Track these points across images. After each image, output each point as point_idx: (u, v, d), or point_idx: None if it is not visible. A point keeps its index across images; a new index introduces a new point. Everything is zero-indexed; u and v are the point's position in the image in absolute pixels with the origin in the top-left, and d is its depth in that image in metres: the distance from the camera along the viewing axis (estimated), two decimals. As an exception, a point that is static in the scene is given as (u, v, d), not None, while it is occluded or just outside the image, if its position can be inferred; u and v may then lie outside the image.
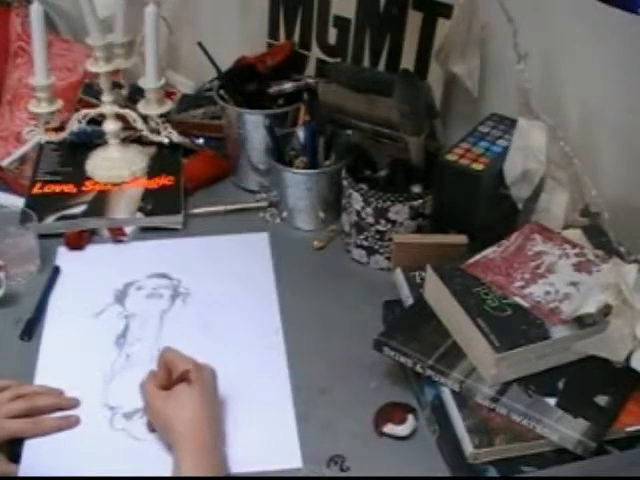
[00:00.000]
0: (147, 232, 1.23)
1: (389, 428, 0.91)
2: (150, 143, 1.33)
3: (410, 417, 0.91)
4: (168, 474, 0.84)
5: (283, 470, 0.88)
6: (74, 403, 0.94)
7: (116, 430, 0.92)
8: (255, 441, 0.91)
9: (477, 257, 0.98)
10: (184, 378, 0.89)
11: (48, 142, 1.32)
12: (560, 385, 0.87)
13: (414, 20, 1.18)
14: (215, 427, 0.88)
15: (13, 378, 0.97)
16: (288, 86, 1.30)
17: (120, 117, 1.30)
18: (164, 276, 1.15)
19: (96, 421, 0.93)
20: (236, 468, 0.87)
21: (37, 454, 0.89)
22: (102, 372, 0.99)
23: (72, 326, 1.06)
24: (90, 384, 0.97)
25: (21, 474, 0.87)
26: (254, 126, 1.26)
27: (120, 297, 1.11)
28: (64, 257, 1.18)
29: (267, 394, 0.96)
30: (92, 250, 1.20)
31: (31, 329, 1.05)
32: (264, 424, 0.93)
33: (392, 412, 0.92)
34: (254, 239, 1.22)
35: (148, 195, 1.28)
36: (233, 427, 0.92)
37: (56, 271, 1.15)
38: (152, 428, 0.92)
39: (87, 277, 1.14)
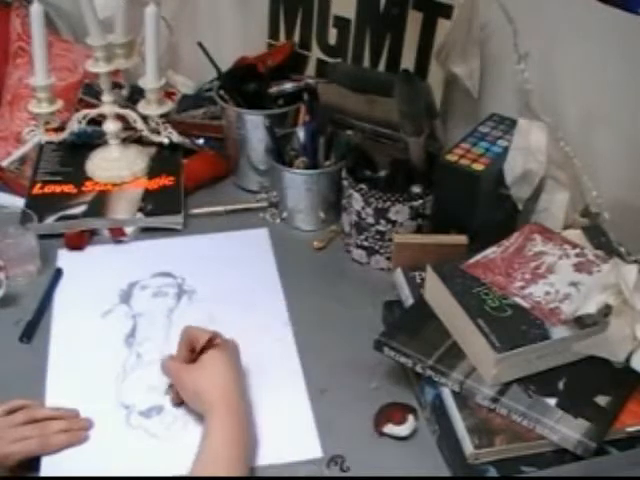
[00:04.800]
0: (147, 232, 1.23)
1: (389, 428, 0.91)
2: (150, 143, 1.33)
3: (410, 417, 0.91)
4: (186, 471, 0.84)
5: (304, 461, 0.88)
6: (87, 425, 0.92)
7: (133, 428, 0.92)
8: (273, 434, 0.91)
9: (477, 257, 0.98)
10: (210, 346, 0.92)
11: (48, 142, 1.32)
12: (560, 385, 0.88)
13: (414, 20, 1.18)
14: (244, 394, 0.91)
15: (13, 378, 0.98)
16: (288, 86, 1.30)
17: (120, 117, 1.30)
18: (168, 275, 1.15)
19: (113, 420, 0.93)
20: (255, 462, 0.88)
21: (57, 455, 0.89)
22: (114, 372, 0.99)
23: (80, 327, 1.06)
24: (103, 384, 0.98)
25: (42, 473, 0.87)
26: (254, 126, 1.26)
27: (125, 297, 1.11)
28: (65, 258, 1.18)
29: (281, 386, 0.97)
30: (93, 250, 1.20)
31: (31, 331, 1.05)
32: (281, 417, 0.93)
33: (392, 412, 0.92)
34: (254, 234, 1.23)
35: (148, 195, 1.28)
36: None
37: (58, 273, 1.15)
38: (178, 402, 0.94)
39: (90, 278, 1.14)
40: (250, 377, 0.97)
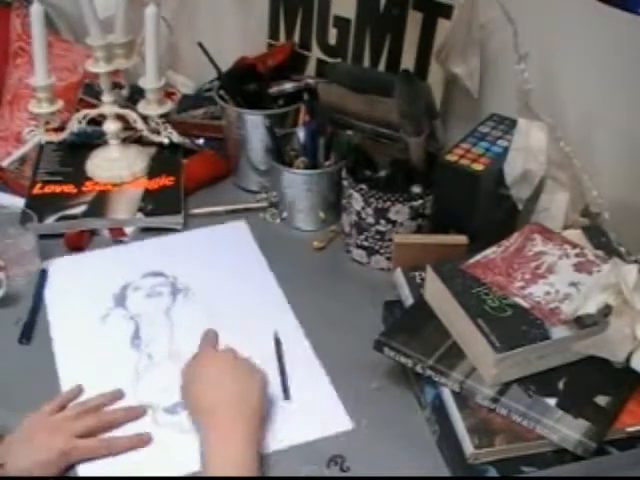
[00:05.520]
0: (147, 232, 1.23)
1: None
2: (150, 143, 1.33)
3: None
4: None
5: (338, 434, 0.90)
6: (141, 412, 0.93)
7: (161, 426, 0.92)
8: (300, 414, 0.92)
9: (477, 257, 0.98)
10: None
11: (48, 142, 1.32)
12: (560, 385, 0.88)
13: (414, 20, 1.18)
14: (241, 408, 0.87)
15: (14, 378, 0.98)
16: (288, 86, 1.30)
17: (120, 117, 1.30)
18: (159, 274, 1.15)
19: (139, 421, 0.92)
20: (287, 442, 0.90)
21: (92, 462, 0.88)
22: (127, 375, 0.98)
23: (81, 332, 1.05)
24: (120, 388, 0.96)
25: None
26: (254, 126, 1.26)
27: (120, 300, 1.10)
28: (55, 263, 1.17)
29: (294, 369, 0.98)
30: (82, 257, 1.19)
31: (29, 332, 1.05)
32: (304, 395, 0.94)
33: None
34: (233, 227, 1.24)
35: (148, 195, 1.28)
36: (272, 405, 0.94)
37: (44, 274, 1.14)
38: None
39: (82, 284, 1.13)
40: (262, 365, 0.96)
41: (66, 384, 0.97)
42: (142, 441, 0.90)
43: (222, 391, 0.88)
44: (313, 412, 0.93)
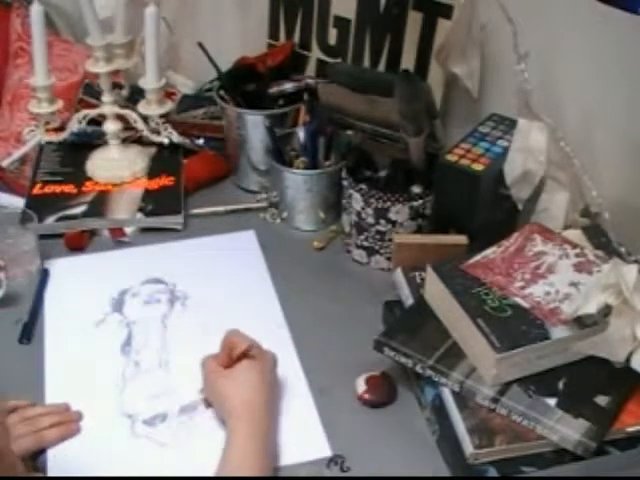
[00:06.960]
0: (147, 232, 1.23)
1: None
2: (150, 143, 1.33)
3: None
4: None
5: (314, 461, 0.89)
6: (76, 417, 0.93)
7: (139, 437, 0.91)
8: (281, 435, 0.91)
9: (477, 257, 0.98)
10: (245, 355, 0.91)
11: (48, 142, 1.32)
12: (560, 385, 0.88)
13: (414, 20, 1.18)
14: (271, 410, 0.90)
15: (15, 377, 0.98)
16: (288, 86, 1.30)
17: (120, 117, 1.30)
18: (158, 281, 1.14)
19: (117, 430, 0.92)
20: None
21: (63, 467, 0.88)
22: (113, 381, 0.98)
23: (74, 337, 1.05)
24: (104, 394, 0.96)
25: None
26: (254, 126, 1.26)
27: (117, 305, 1.10)
28: (56, 265, 1.16)
29: (283, 388, 0.96)
30: (83, 259, 1.19)
31: (29, 332, 1.05)
32: (286, 418, 0.93)
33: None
34: (242, 237, 1.22)
35: (148, 195, 1.28)
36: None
37: (45, 274, 1.14)
38: (208, 404, 0.93)
39: (81, 287, 1.13)
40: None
41: (51, 387, 0.97)
42: (70, 431, 0.91)
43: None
44: (293, 436, 0.91)
